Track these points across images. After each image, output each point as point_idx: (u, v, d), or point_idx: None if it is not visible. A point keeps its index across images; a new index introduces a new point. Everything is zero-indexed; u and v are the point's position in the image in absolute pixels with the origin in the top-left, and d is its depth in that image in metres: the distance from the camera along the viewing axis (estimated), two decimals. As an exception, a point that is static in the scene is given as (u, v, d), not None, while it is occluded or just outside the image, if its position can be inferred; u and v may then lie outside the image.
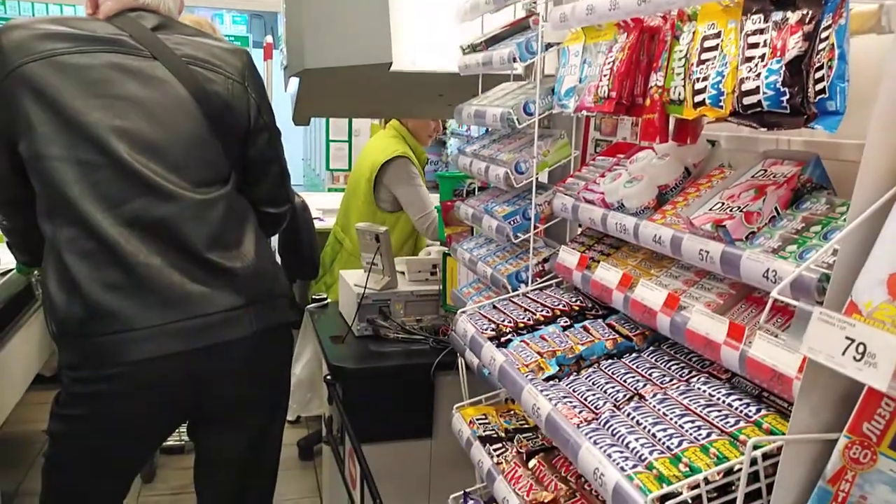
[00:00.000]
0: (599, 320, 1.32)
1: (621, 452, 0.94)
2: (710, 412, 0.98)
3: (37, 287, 2.48)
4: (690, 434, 0.95)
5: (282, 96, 2.56)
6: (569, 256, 1.34)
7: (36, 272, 2.18)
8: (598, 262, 1.28)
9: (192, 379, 1.54)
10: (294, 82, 2.00)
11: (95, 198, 1.45)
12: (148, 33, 1.54)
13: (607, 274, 1.21)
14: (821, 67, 0.79)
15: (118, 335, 1.46)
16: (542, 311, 1.37)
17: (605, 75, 1.14)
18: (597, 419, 1.05)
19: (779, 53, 0.84)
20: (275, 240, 2.32)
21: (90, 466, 1.59)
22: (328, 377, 2.11)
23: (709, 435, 0.93)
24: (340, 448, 2.15)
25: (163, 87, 1.52)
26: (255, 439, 1.72)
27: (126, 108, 1.48)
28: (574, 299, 1.39)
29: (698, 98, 0.96)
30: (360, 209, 2.99)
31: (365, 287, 2.23)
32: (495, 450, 1.39)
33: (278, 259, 2.40)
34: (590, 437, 0.99)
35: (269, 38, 3.86)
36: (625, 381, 1.13)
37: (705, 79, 0.95)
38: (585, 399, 1.11)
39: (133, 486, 1.77)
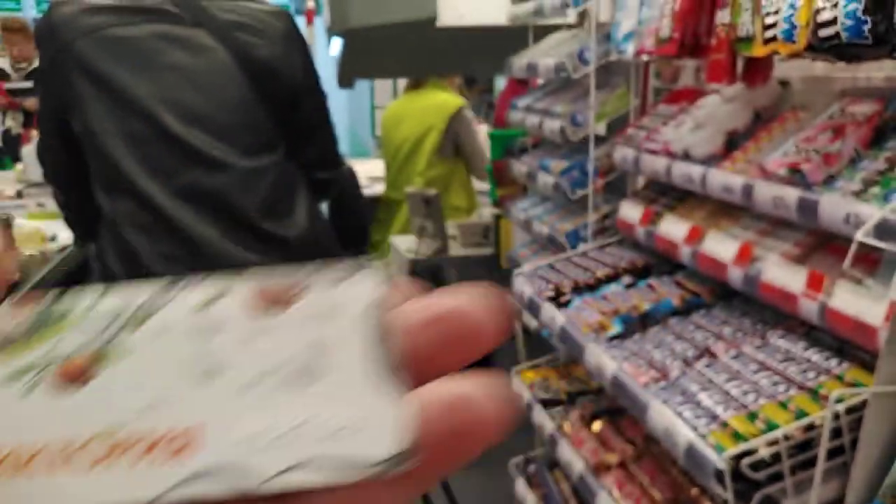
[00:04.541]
0: (665, 277, 1.26)
1: (693, 411, 0.90)
2: (787, 367, 0.93)
3: (94, 261, 2.55)
4: (767, 390, 0.90)
5: (325, 61, 2.53)
6: (631, 211, 1.28)
7: (93, 246, 2.23)
8: (663, 215, 1.23)
9: None
10: (338, 43, 1.96)
11: (148, 171, 1.48)
12: (191, 0, 1.54)
13: (674, 227, 1.16)
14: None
15: None
16: (603, 269, 1.32)
17: (666, 15, 1.07)
18: (666, 378, 1.01)
19: (862, -22, 0.77)
20: (324, 208, 2.32)
21: None
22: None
23: (787, 390, 0.88)
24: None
25: (208, 55, 1.52)
26: None
27: (173, 79, 1.49)
28: (638, 256, 1.34)
29: (769, 34, 0.89)
30: (425, 162, 3.04)
31: (417, 252, 2.22)
32: (557, 413, 1.36)
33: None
34: (659, 397, 0.95)
35: (311, 4, 3.82)
36: (694, 339, 1.08)
37: (776, 12, 0.88)
38: (652, 358, 1.07)
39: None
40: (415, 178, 3.07)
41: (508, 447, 1.62)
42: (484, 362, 0.16)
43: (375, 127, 5.15)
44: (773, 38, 0.89)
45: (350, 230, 2.68)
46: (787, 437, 0.82)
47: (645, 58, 1.15)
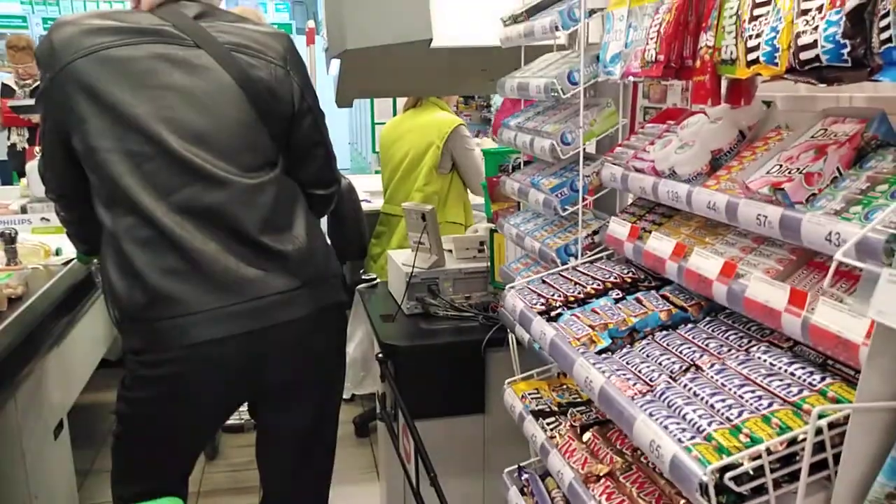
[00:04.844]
0: (653, 291, 1.29)
1: (678, 424, 0.92)
2: (771, 382, 0.95)
3: (96, 275, 2.57)
4: (751, 404, 0.92)
5: (325, 80, 2.57)
6: (619, 227, 1.31)
7: (95, 260, 2.25)
8: (650, 232, 1.25)
9: (250, 360, 1.57)
10: (336, 64, 2.00)
11: (148, 187, 1.49)
12: (190, 22, 1.57)
13: (660, 244, 1.18)
14: (887, 14, 0.75)
15: (178, 319, 1.50)
16: (592, 283, 1.35)
17: (651, 38, 1.11)
18: (652, 391, 1.03)
19: (838, 4, 0.80)
20: (323, 222, 2.35)
21: (156, 444, 1.65)
22: (380, 355, 2.13)
23: (770, 405, 0.90)
24: (394, 424, 2.17)
25: (207, 75, 1.54)
26: (313, 417, 1.76)
27: (172, 98, 1.51)
28: (626, 271, 1.36)
29: (752, 56, 0.92)
30: (424, 178, 3.12)
31: (413, 266, 2.24)
32: (548, 424, 1.38)
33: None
34: (645, 409, 0.97)
35: (312, 24, 3.88)
36: (680, 353, 1.10)
37: (758, 35, 0.91)
38: (639, 371, 1.09)
39: (197, 463, 1.82)
40: (413, 194, 3.11)
41: (502, 456, 1.64)
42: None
43: (375, 142, 5.19)
44: (756, 61, 0.92)
45: (348, 244, 2.71)
46: (769, 451, 0.84)
47: (631, 79, 1.18)
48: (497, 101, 5.70)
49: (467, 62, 2.03)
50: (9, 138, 5.28)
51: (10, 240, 2.34)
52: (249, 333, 1.54)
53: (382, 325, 2.22)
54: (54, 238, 2.51)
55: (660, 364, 1.09)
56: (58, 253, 2.52)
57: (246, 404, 1.84)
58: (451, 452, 2.07)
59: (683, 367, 1.06)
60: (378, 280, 2.69)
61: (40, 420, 2.23)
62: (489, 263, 2.24)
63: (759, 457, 0.83)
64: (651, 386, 1.04)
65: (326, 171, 1.80)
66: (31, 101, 4.88)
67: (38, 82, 5.26)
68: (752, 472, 0.83)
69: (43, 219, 2.78)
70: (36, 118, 4.83)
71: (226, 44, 1.57)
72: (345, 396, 2.42)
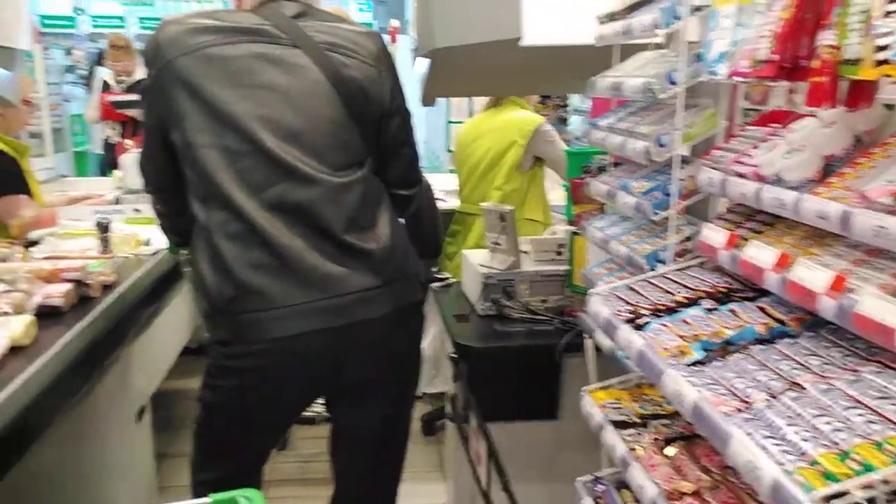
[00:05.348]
0: (748, 303, 1.23)
1: (779, 445, 0.87)
2: (882, 405, 0.89)
3: (184, 265, 2.65)
4: (860, 428, 0.86)
5: (409, 78, 2.58)
6: (714, 234, 1.25)
7: (184, 252, 2.33)
8: (749, 240, 1.19)
9: (331, 356, 1.60)
10: (423, 63, 2.00)
11: (241, 183, 1.54)
12: (289, 21, 1.61)
13: (760, 253, 1.12)
14: None
15: (264, 313, 1.53)
16: (683, 292, 1.29)
17: (764, 36, 1.05)
18: (749, 408, 0.97)
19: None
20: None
21: (234, 433, 1.69)
22: (453, 355, 2.12)
23: (883, 430, 0.84)
24: (465, 426, 2.16)
25: (303, 74, 1.58)
26: (388, 416, 1.76)
27: (269, 97, 1.55)
28: (719, 280, 1.30)
29: (880, 56, 0.85)
30: (503, 176, 3.11)
31: (489, 267, 2.22)
32: (629, 435, 1.34)
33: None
34: (742, 428, 0.92)
35: (395, 23, 3.91)
36: (779, 369, 1.04)
37: (889, 33, 0.84)
38: (734, 387, 1.04)
39: (268, 453, 1.86)
40: (491, 192, 3.09)
41: (572, 464, 1.60)
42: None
43: (450, 141, 5.19)
44: (885, 61, 0.86)
45: (424, 243, 2.70)
46: (885, 482, 0.78)
47: (738, 80, 1.12)
48: (574, 100, 5.62)
49: (554, 61, 1.99)
50: (103, 132, 5.53)
51: (105, 229, 2.44)
52: (331, 330, 1.56)
53: (456, 325, 2.21)
54: (145, 228, 2.60)
55: (756, 380, 1.04)
56: (147, 243, 2.61)
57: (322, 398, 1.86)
58: (520, 457, 2.03)
59: (783, 385, 1.00)
60: (452, 279, 2.68)
61: (125, 404, 2.32)
62: (568, 266, 2.20)
63: (873, 486, 0.77)
64: (747, 403, 0.99)
65: (411, 171, 1.82)
66: (128, 97, 5.09)
67: (134, 79, 5.50)
68: (865, 503, 0.77)
69: (135, 209, 2.89)
70: (131, 113, 5.05)
71: (321, 43, 1.60)
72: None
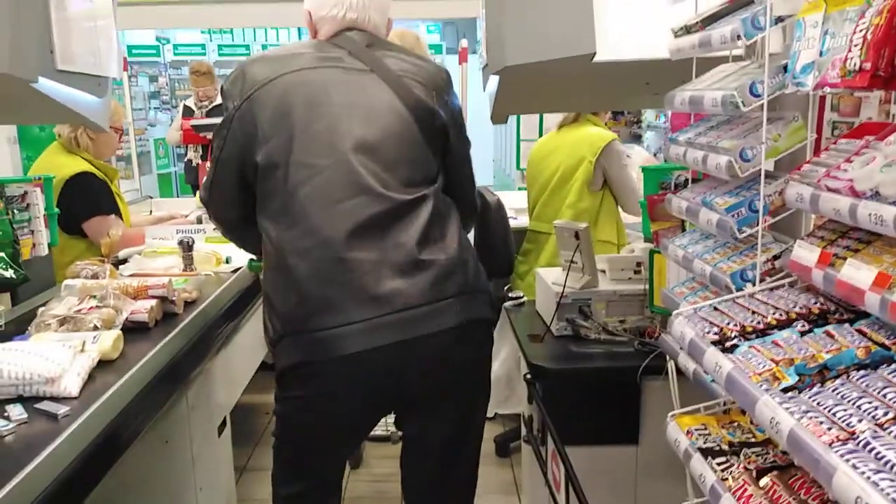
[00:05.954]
0: (846, 325, 1.16)
1: (891, 481, 0.81)
2: None
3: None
4: (981, 464, 0.79)
5: (479, 98, 2.58)
6: (806, 253, 1.19)
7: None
8: (844, 259, 1.13)
9: (397, 370, 1.62)
10: (493, 80, 2.00)
11: (318, 198, 1.61)
12: (363, 49, 1.74)
13: (858, 272, 1.06)
14: None
15: (336, 329, 1.57)
16: (774, 313, 1.23)
17: (855, 45, 1.00)
18: (853, 439, 0.91)
19: None
20: (471, 237, 2.36)
21: (307, 448, 1.73)
22: (528, 376, 2.09)
23: None
24: (542, 448, 2.12)
25: (379, 95, 1.69)
26: (455, 430, 1.78)
27: (348, 115, 1.66)
28: (812, 301, 1.24)
29: None
30: (575, 194, 3.09)
31: (564, 285, 2.18)
32: (719, 464, 1.28)
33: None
34: (847, 460, 0.86)
35: (465, 43, 3.94)
36: (885, 397, 0.98)
37: None
38: (834, 415, 0.98)
39: (341, 471, 1.88)
40: (563, 210, 3.06)
41: (652, 492, 1.55)
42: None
43: (521, 159, 5.18)
44: None
45: (496, 261, 2.69)
46: None
47: (828, 91, 1.07)
48: (648, 116, 5.51)
49: (628, 76, 1.95)
50: (185, 154, 5.80)
51: (188, 248, 2.54)
52: (397, 344, 1.59)
53: (530, 345, 2.18)
54: (225, 247, 2.70)
55: (859, 408, 0.97)
56: (227, 261, 2.70)
57: (393, 416, 1.88)
58: (599, 482, 1.98)
59: (890, 414, 0.94)
60: (525, 298, 2.65)
61: (207, 417, 2.39)
62: (647, 286, 2.14)
63: None
64: (850, 433, 0.93)
65: (468, 192, 1.94)
66: (208, 121, 5.31)
67: (214, 104, 5.75)
68: None
69: (215, 229, 2.99)
70: (210, 136, 5.27)
71: (395, 68, 1.72)
72: (488, 414, 2.40)
